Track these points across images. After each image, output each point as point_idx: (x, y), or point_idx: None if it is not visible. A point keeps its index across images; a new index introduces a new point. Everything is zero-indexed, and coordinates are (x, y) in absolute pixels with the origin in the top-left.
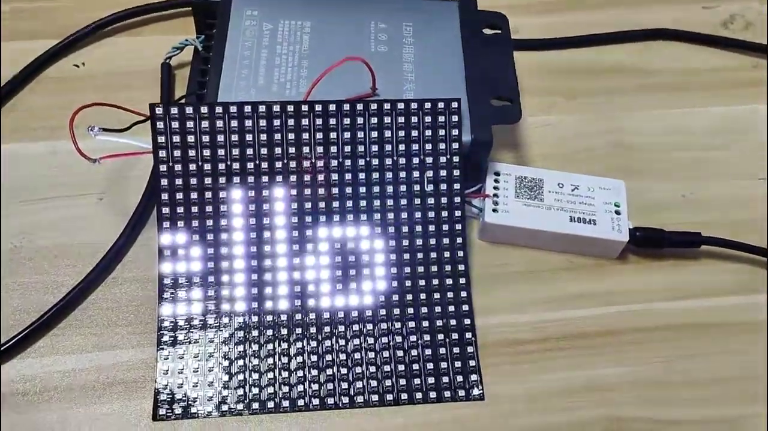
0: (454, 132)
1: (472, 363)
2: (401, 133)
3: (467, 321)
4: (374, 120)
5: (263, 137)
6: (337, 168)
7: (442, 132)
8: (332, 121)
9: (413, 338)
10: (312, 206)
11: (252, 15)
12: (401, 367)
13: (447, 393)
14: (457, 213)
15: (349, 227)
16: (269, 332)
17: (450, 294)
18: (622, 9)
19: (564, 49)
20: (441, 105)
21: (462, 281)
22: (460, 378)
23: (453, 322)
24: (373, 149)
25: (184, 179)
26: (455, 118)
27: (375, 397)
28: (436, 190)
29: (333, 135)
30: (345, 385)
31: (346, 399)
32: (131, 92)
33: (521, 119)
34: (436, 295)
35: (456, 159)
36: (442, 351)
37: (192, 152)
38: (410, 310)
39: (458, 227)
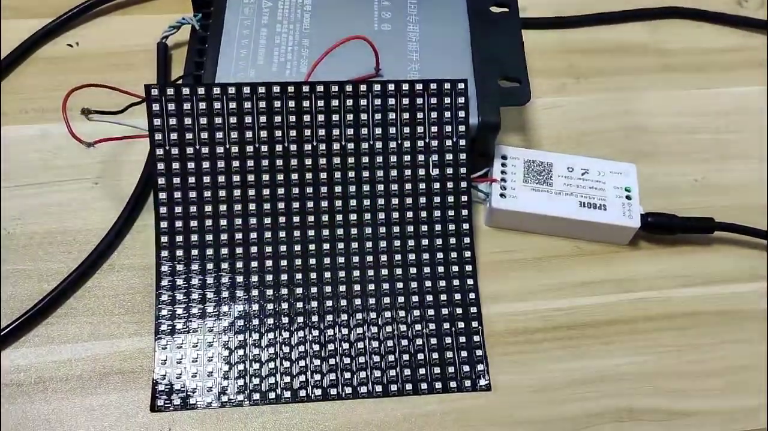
0: (461, 114)
1: (479, 352)
2: (406, 115)
3: (473, 310)
4: (378, 102)
5: (263, 119)
6: (339, 152)
7: (448, 114)
8: (334, 102)
9: (418, 327)
10: (314, 191)
11: None
12: (406, 357)
13: (453, 384)
14: (464, 198)
15: (352, 213)
16: (270, 321)
17: (456, 282)
18: None
19: (574, 28)
20: (447, 86)
21: (468, 268)
22: (466, 368)
23: (459, 311)
24: (377, 132)
25: (181, 162)
26: (462, 99)
27: (379, 388)
28: (441, 174)
29: (335, 117)
30: (348, 375)
31: (349, 390)
32: (126, 73)
33: (530, 100)
34: (442, 283)
35: (462, 142)
36: (448, 340)
37: (189, 135)
38: (415, 298)
39: (464, 212)
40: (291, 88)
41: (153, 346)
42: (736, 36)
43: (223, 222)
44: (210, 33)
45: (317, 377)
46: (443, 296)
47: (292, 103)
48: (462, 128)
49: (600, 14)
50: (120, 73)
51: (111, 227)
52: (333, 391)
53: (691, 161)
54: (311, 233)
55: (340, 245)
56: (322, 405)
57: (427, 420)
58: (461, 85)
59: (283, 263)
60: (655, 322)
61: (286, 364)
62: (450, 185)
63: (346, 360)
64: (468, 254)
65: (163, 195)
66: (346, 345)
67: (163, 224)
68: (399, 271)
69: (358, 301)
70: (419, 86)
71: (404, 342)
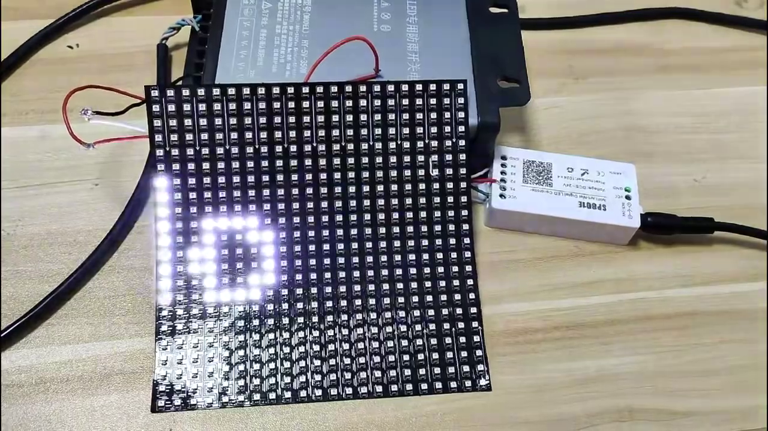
0: (460, 115)
1: (479, 352)
2: (405, 116)
3: (473, 310)
4: (377, 102)
5: (263, 119)
6: (339, 152)
7: (447, 115)
8: (334, 103)
9: (418, 327)
10: (314, 192)
11: None
12: (406, 357)
13: (453, 384)
14: (463, 199)
15: (352, 214)
16: (270, 321)
17: (456, 282)
18: None
19: (573, 29)
20: (446, 87)
21: (468, 268)
22: (466, 368)
23: (459, 311)
24: (377, 133)
25: (181, 163)
26: (461, 100)
27: (379, 388)
28: (441, 175)
29: (335, 118)
30: (348, 376)
31: (349, 390)
32: (126, 74)
33: (529, 101)
34: (442, 283)
35: (462, 143)
36: (448, 340)
37: (189, 136)
38: (415, 299)
39: (464, 213)
40: (291, 89)
41: (153, 347)
42: (736, 36)
43: (223, 223)
44: (210, 34)
45: (318, 377)
46: (443, 297)
47: (291, 104)
48: (461, 128)
49: (599, 15)
50: (120, 74)
51: (111, 228)
52: (333, 391)
53: (690, 161)
54: (311, 233)
55: (340, 246)
56: (322, 405)
57: (428, 420)
58: (461, 86)
59: (283, 263)
60: (654, 322)
61: (287, 364)
62: (450, 185)
63: (347, 361)
64: (468, 254)
65: (162, 196)
66: (346, 346)
67: (163, 225)
68: (399, 271)
69: (358, 301)
70: (419, 87)
71: (404, 343)
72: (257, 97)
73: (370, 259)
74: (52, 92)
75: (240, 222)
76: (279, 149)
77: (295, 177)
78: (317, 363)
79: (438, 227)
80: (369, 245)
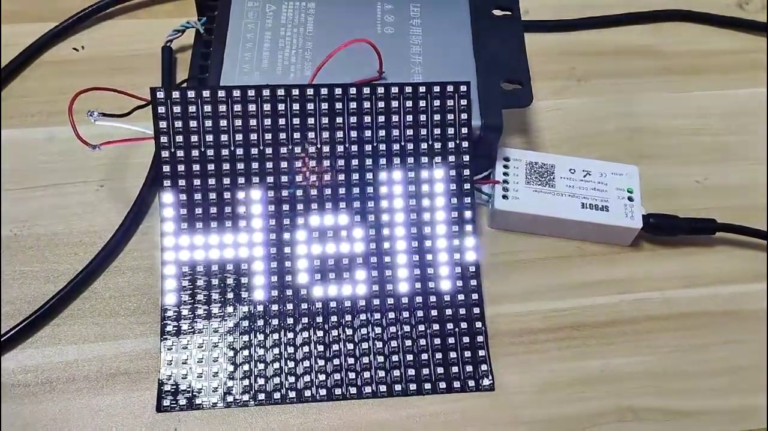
0: (464, 116)
1: (482, 352)
2: (409, 117)
3: (477, 310)
4: (381, 104)
5: (267, 121)
6: (343, 154)
7: (451, 116)
8: (338, 105)
9: (422, 327)
10: (318, 193)
11: None
12: (410, 357)
13: (456, 384)
14: (467, 200)
15: (356, 215)
16: (275, 321)
17: (459, 283)
18: None
19: (575, 31)
20: (450, 88)
21: (471, 269)
22: (469, 368)
23: (462, 311)
24: (380, 134)
25: (186, 165)
26: (464, 102)
27: (383, 388)
28: (444, 176)
29: (339, 120)
30: (353, 375)
31: (353, 390)
32: (132, 76)
33: (532, 102)
34: (445, 283)
35: (465, 144)
36: (452, 340)
37: (194, 138)
38: (418, 299)
39: (467, 214)
40: (295, 91)
41: (159, 347)
42: (738, 38)
43: (228, 224)
44: (214, 37)
45: (322, 377)
46: (446, 297)
47: (296, 106)
48: (465, 130)
49: (601, 17)
50: (125, 76)
51: (117, 228)
52: (338, 391)
53: (692, 162)
54: (315, 234)
55: (344, 246)
56: (326, 405)
57: (431, 419)
58: (464, 88)
59: (288, 264)
60: (657, 322)
61: (291, 364)
62: (453, 186)
63: (351, 361)
64: (471, 255)
65: (168, 197)
66: (350, 346)
67: (168, 226)
68: (403, 272)
69: (362, 301)
70: (422, 89)
71: (408, 343)
72: (262, 99)
73: (374, 259)
74: (58, 94)
75: (244, 223)
76: (284, 150)
77: (299, 178)
78: (321, 362)
79: (441, 228)
80: (373, 245)
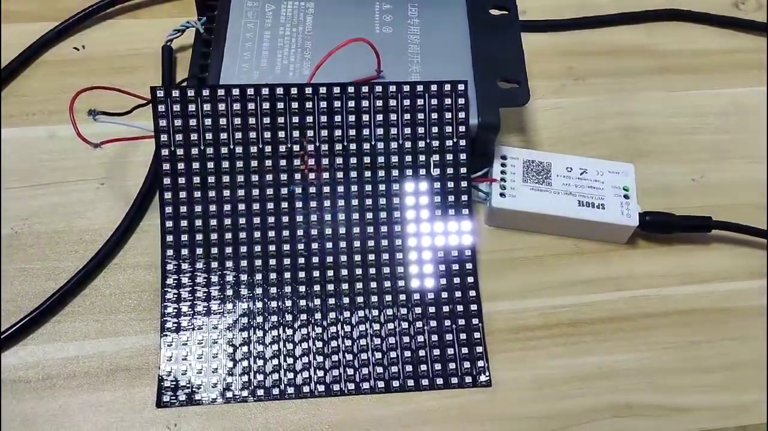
0: (461, 115)
1: (479, 349)
2: (407, 116)
3: (474, 307)
4: (379, 103)
5: (266, 120)
6: (342, 152)
7: (448, 115)
8: (337, 104)
9: (419, 324)
10: (316, 191)
11: None
12: (407, 353)
13: (454, 380)
14: (464, 198)
15: (353, 212)
16: (273, 318)
17: (457, 280)
18: None
19: (572, 31)
20: (447, 87)
21: (469, 266)
22: (467, 365)
23: (460, 308)
24: (379, 133)
25: (186, 163)
26: (462, 100)
27: (381, 383)
28: (442, 174)
29: (338, 118)
30: (351, 371)
31: (351, 386)
32: (132, 76)
33: (529, 101)
34: (443, 280)
35: (463, 143)
36: (449, 337)
37: (194, 136)
38: (416, 296)
39: (465, 211)
40: (294, 90)
41: (159, 343)
42: (733, 38)
43: (228, 222)
44: (214, 36)
45: (320, 373)
46: (444, 294)
47: (295, 105)
48: (462, 128)
49: (598, 17)
50: (125, 75)
51: (117, 226)
52: (336, 387)
53: (688, 160)
54: (314, 232)
55: (343, 244)
56: (325, 400)
57: (429, 415)
58: (461, 87)
59: (287, 261)
60: (652, 319)
61: (290, 361)
62: (451, 184)
63: (349, 357)
64: (468, 252)
65: (168, 195)
66: (348, 342)
67: (169, 224)
68: (401, 269)
69: (360, 298)
70: (420, 88)
71: (406, 339)
72: (261, 97)
73: (372, 256)
74: (58, 93)
75: (243, 220)
76: (282, 148)
77: (298, 176)
78: (320, 359)
79: (439, 226)
80: (371, 242)
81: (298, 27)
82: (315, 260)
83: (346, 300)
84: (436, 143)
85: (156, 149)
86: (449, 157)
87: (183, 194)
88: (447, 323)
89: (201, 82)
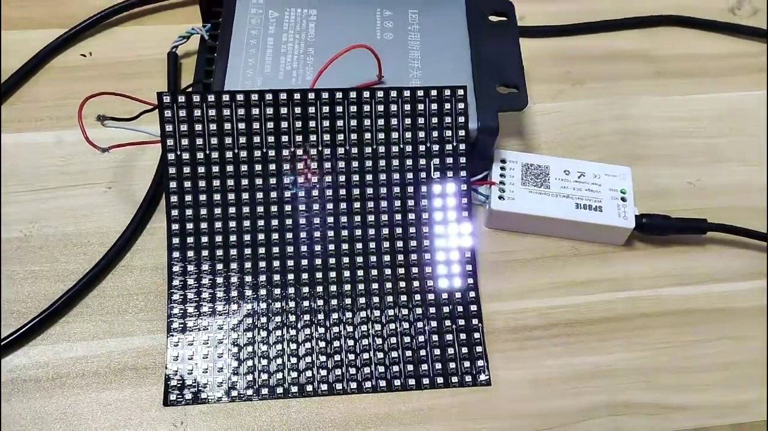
0: (461, 119)
1: (479, 349)
2: (408, 120)
3: (474, 308)
4: (381, 108)
5: (270, 125)
6: (344, 156)
7: (448, 119)
8: (339, 109)
9: (420, 324)
10: (319, 194)
11: (258, 3)
12: (408, 353)
13: (454, 379)
14: (464, 200)
15: (356, 215)
16: (278, 318)
17: (456, 281)
18: None
19: (570, 36)
20: (447, 92)
21: (468, 267)
22: (467, 364)
23: (460, 308)
24: (380, 137)
25: (192, 167)
26: (461, 105)
27: (383, 383)
28: (442, 177)
29: (340, 123)
30: (353, 371)
31: (354, 385)
32: (138, 81)
33: (527, 106)
34: (443, 282)
35: (462, 147)
36: (449, 337)
37: (200, 141)
38: (417, 297)
39: (465, 214)
40: (297, 95)
41: (165, 343)
42: (729, 43)
43: (232, 224)
44: (219, 43)
45: (323, 372)
46: (444, 295)
47: (298, 110)
48: (462, 132)
49: (596, 22)
50: (131, 81)
51: (124, 229)
52: (339, 386)
53: (685, 164)
54: (317, 234)
55: (345, 246)
56: (328, 399)
57: (430, 413)
58: (461, 92)
59: (290, 263)
60: (649, 319)
61: (294, 360)
62: (450, 187)
63: (351, 357)
64: (468, 254)
65: (174, 198)
66: (350, 342)
67: (175, 227)
68: (402, 270)
69: (362, 299)
70: (420, 93)
71: (407, 339)
72: (265, 103)
73: (374, 258)
74: (66, 99)
75: (248, 223)
76: (286, 152)
77: (301, 180)
78: (323, 358)
79: (440, 228)
80: (373, 245)
81: (301, 33)
82: (318, 262)
83: (348, 301)
84: (436, 147)
85: (162, 154)
86: (449, 160)
87: (189, 198)
88: (447, 323)
89: (206, 88)
